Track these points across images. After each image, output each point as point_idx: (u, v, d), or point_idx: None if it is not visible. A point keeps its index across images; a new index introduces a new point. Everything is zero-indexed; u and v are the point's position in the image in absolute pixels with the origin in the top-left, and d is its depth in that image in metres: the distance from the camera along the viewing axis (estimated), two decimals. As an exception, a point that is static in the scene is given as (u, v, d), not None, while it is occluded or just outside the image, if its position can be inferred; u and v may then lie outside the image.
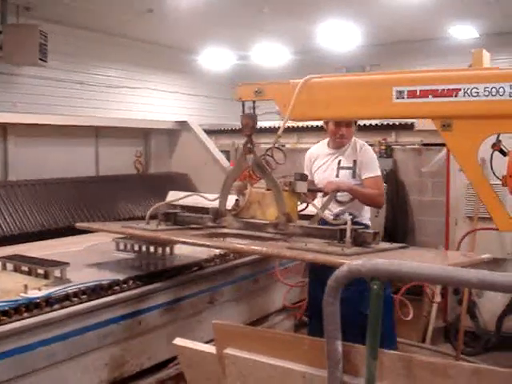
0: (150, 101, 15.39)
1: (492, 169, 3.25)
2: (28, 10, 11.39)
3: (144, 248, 4.01)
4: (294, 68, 15.63)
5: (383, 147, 7.49)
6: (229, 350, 2.24)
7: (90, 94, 13.81)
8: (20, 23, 11.10)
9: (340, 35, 14.18)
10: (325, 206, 3.93)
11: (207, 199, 3.78)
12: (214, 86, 17.58)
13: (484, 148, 2.93)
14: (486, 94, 2.73)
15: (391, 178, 7.30)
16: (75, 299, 2.98)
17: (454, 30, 13.81)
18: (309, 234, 3.29)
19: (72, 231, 4.78)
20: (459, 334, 5.28)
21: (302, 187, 3.47)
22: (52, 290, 2.99)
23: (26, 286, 2.99)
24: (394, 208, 7.12)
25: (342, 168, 4.36)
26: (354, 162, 4.35)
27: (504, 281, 1.74)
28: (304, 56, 15.96)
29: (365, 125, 7.28)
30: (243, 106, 3.55)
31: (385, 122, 7.44)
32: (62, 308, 2.89)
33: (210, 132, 7.54)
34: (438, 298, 5.57)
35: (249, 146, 3.51)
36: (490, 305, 5.58)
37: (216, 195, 3.67)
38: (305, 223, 3.55)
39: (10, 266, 3.48)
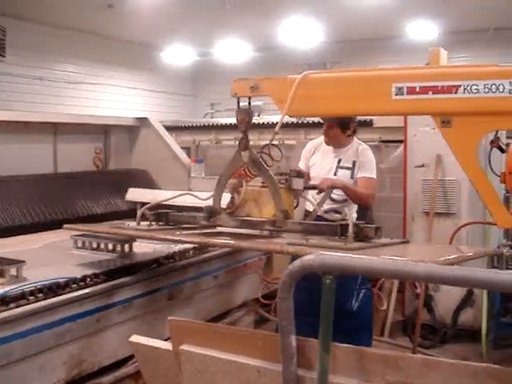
0: (110, 97, 15.25)
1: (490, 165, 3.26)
2: (-15, 4, 11.21)
3: (103, 245, 3.99)
4: (256, 65, 15.67)
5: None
6: (184, 347, 2.25)
7: (50, 89, 13.63)
8: (-23, 18, 10.92)
9: (302, 32, 14.26)
10: (321, 203, 3.92)
11: (199, 198, 3.69)
12: (175, 83, 17.52)
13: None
14: (486, 90, 2.72)
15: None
16: (31, 297, 2.95)
17: (415, 28, 14.02)
18: (308, 231, 3.25)
19: (29, 229, 4.74)
20: (416, 327, 5.38)
21: (298, 184, 3.45)
22: (7, 288, 2.95)
23: (-20, 285, 2.95)
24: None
25: (342, 167, 4.39)
26: (354, 162, 4.38)
27: (452, 274, 1.79)
28: (266, 53, 16.01)
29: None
30: (238, 101, 3.44)
31: (344, 119, 7.50)
32: (18, 307, 2.86)
33: (170, 128, 7.51)
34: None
35: (244, 142, 3.41)
36: (447, 298, 5.70)
37: (208, 194, 3.58)
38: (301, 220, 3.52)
39: (-36, 264, 3.42)
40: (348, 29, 14.21)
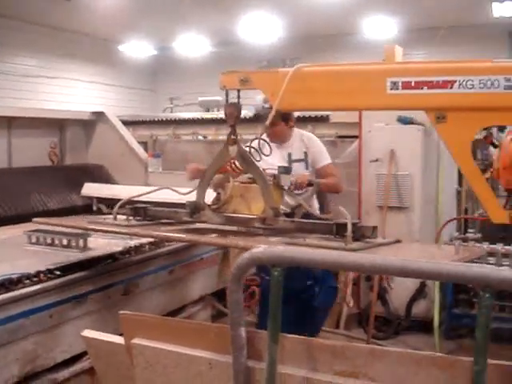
0: (68, 91, 15.07)
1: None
2: None
3: (57, 241, 3.96)
4: (214, 60, 15.63)
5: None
6: (136, 340, 2.26)
7: (5, 83, 13.39)
8: None
9: (261, 28, 14.30)
10: (308, 200, 3.91)
11: (179, 193, 3.56)
12: (135, 77, 17.38)
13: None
14: (481, 86, 2.71)
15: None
16: (-17, 294, 2.93)
17: (374, 25, 14.20)
18: (300, 229, 3.17)
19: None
20: (370, 319, 5.49)
21: (286, 181, 3.35)
22: (-41, 285, 2.93)
23: None
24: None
25: (295, 161, 4.39)
26: (305, 153, 4.40)
27: (396, 265, 1.84)
28: (226, 48, 15.98)
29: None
30: (227, 94, 3.35)
31: (301, 115, 7.55)
32: (-30, 303, 2.84)
33: (128, 123, 7.45)
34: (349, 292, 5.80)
35: (233, 136, 3.30)
36: (400, 290, 5.83)
37: (188, 189, 3.48)
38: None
39: None
40: (308, 25, 14.28)
